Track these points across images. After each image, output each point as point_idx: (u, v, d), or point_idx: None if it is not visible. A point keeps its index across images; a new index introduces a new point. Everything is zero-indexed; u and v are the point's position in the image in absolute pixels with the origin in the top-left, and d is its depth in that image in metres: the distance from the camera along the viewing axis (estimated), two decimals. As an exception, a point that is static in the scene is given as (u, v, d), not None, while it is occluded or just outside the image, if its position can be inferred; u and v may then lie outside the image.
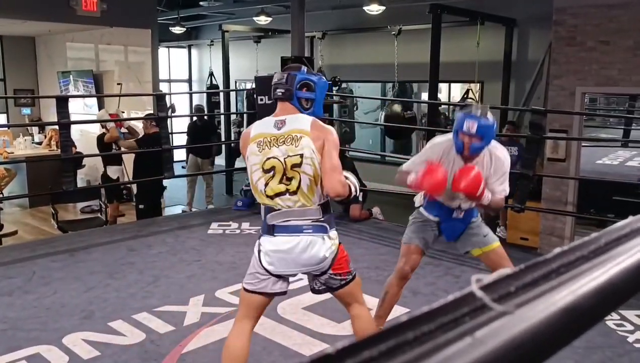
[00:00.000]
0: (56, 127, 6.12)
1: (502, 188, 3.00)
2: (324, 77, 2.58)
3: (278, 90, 2.49)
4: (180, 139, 10.44)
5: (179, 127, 10.37)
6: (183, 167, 10.14)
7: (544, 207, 6.06)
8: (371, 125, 10.78)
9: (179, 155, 10.12)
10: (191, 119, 9.87)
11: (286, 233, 2.41)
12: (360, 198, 6.17)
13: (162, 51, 12.53)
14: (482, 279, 0.35)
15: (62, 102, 5.45)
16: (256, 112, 6.72)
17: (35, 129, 10.04)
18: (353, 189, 2.49)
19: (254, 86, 7.81)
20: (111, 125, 6.70)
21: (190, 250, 5.03)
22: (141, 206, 6.63)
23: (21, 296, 3.98)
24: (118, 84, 8.93)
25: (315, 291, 2.61)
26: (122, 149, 6.82)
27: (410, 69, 9.12)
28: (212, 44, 12.28)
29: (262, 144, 2.43)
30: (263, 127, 2.48)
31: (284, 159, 2.39)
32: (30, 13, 7.50)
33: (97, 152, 7.03)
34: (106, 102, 9.48)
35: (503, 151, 3.05)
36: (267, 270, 2.45)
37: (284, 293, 2.57)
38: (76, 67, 9.92)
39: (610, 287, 0.35)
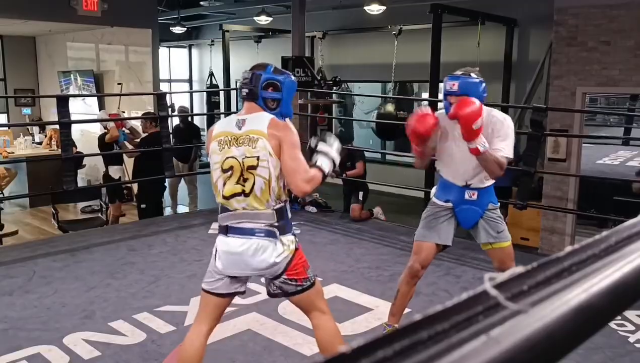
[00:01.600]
0: (56, 126, 6.12)
1: (502, 146, 2.86)
2: (292, 76, 2.51)
3: (243, 89, 2.44)
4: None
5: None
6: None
7: (545, 205, 6.06)
8: (372, 125, 10.76)
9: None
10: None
11: (239, 235, 2.38)
12: (361, 198, 6.17)
13: (163, 51, 12.53)
14: (495, 277, 0.34)
15: (62, 102, 5.44)
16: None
17: (35, 129, 10.04)
18: (326, 169, 2.44)
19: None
20: (111, 125, 6.70)
21: (191, 250, 5.02)
22: (143, 206, 6.63)
23: (22, 296, 3.97)
24: (118, 83, 8.94)
25: (271, 294, 2.55)
26: (123, 149, 6.83)
27: (410, 69, 9.12)
28: (213, 44, 12.29)
29: (222, 142, 2.40)
30: (226, 125, 2.46)
31: (242, 159, 2.36)
32: (30, 13, 7.50)
33: (98, 151, 7.03)
34: (107, 102, 9.49)
35: (502, 114, 2.99)
36: (221, 271, 2.43)
37: (242, 293, 2.53)
38: (77, 67, 9.93)
39: (623, 285, 0.35)
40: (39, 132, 9.99)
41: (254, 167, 2.34)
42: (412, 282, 3.11)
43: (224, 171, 2.38)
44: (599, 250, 0.37)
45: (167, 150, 5.98)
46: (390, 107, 8.68)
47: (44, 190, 7.00)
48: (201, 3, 11.18)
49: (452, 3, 7.90)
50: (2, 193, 7.95)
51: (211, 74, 11.81)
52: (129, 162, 7.17)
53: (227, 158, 2.38)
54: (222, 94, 11.31)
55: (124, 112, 8.88)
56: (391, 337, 0.27)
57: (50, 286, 4.15)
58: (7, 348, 3.18)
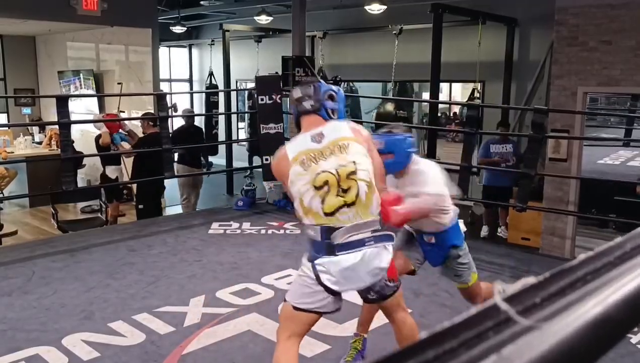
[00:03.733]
0: (56, 126, 6.10)
1: (424, 191, 2.83)
2: (341, 88, 2.62)
3: (306, 102, 2.43)
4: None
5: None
6: (177, 162, 10.03)
7: (545, 207, 6.04)
8: (372, 126, 10.74)
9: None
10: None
11: (349, 250, 2.29)
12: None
13: (163, 51, 12.51)
14: (505, 290, 0.33)
15: (62, 102, 5.43)
16: (256, 112, 6.70)
17: (35, 129, 10.03)
18: None
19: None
20: (103, 130, 6.64)
21: (191, 250, 5.01)
22: (141, 206, 6.61)
23: (21, 296, 3.96)
24: (118, 83, 8.92)
25: (368, 301, 2.53)
26: (121, 149, 6.80)
27: (411, 69, 9.10)
28: (213, 44, 12.26)
29: (305, 161, 2.31)
30: (300, 145, 2.38)
31: (336, 170, 2.29)
32: (30, 12, 7.48)
33: (97, 151, 7.01)
34: (107, 102, 9.47)
35: (423, 164, 2.96)
36: (330, 290, 2.34)
37: (339, 309, 2.49)
38: (76, 67, 9.91)
39: (640, 295, 0.33)
40: (39, 132, 9.97)
41: (353, 173, 2.29)
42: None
43: (319, 188, 2.28)
44: (613, 258, 0.36)
45: (166, 150, 5.96)
46: (389, 107, 8.66)
47: (43, 190, 6.98)
48: (201, 2, 11.15)
49: (453, 3, 7.87)
50: (2, 193, 7.93)
51: (211, 74, 11.78)
52: (128, 162, 7.15)
53: (318, 174, 2.29)
54: (221, 94, 11.28)
55: (123, 111, 8.86)
56: (394, 357, 0.26)
57: (49, 286, 4.13)
58: (6, 349, 3.16)
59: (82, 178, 8.71)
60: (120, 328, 3.45)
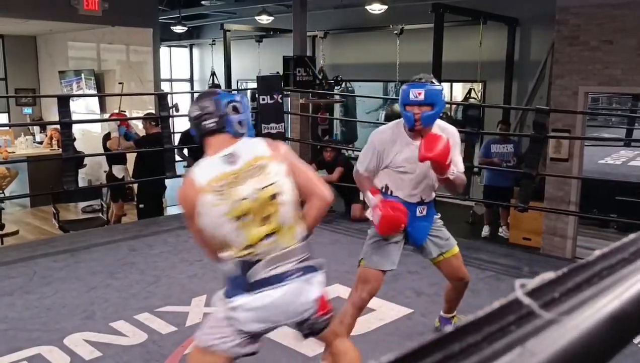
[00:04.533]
0: (57, 126, 6.10)
1: (459, 160, 2.77)
2: (244, 95, 2.37)
3: (207, 121, 2.08)
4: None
5: (181, 127, 10.31)
6: (185, 167, 10.08)
7: (546, 207, 6.04)
8: (372, 125, 10.75)
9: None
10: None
11: (269, 286, 2.02)
12: (362, 198, 6.15)
13: (164, 50, 12.51)
14: (526, 284, 0.32)
15: (63, 102, 5.43)
16: (258, 111, 6.70)
17: (36, 129, 10.04)
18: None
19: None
20: (114, 134, 6.68)
21: (192, 249, 5.00)
22: (141, 206, 6.62)
23: (22, 296, 3.96)
24: (119, 83, 8.92)
25: (303, 338, 2.23)
26: (123, 148, 6.81)
27: (412, 69, 9.07)
28: (214, 44, 12.26)
29: (220, 189, 2.00)
30: (212, 169, 2.04)
31: (256, 195, 2.00)
32: (31, 12, 7.49)
33: (98, 151, 7.02)
34: (108, 102, 9.48)
35: (452, 127, 2.87)
36: (245, 331, 2.06)
37: (257, 352, 2.18)
38: (77, 67, 9.92)
39: (656, 290, 0.33)
40: (40, 132, 9.98)
41: (274, 196, 2.02)
42: (358, 314, 2.88)
43: (238, 218, 2.00)
44: (628, 254, 0.36)
45: (167, 150, 5.96)
46: (397, 107, 8.67)
47: (44, 190, 6.99)
48: (202, 2, 11.16)
49: (454, 2, 7.88)
50: (3, 193, 7.94)
51: (213, 74, 11.79)
52: (130, 162, 7.15)
53: (238, 202, 1.99)
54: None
55: (124, 111, 8.86)
56: (421, 351, 0.26)
57: (50, 286, 4.14)
58: (7, 348, 3.16)
59: (82, 178, 8.71)
60: (121, 328, 3.45)
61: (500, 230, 7.27)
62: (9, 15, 7.50)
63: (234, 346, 2.07)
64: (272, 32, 11.03)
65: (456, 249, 2.95)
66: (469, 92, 8.56)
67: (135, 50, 9.15)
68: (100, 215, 6.94)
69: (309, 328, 2.17)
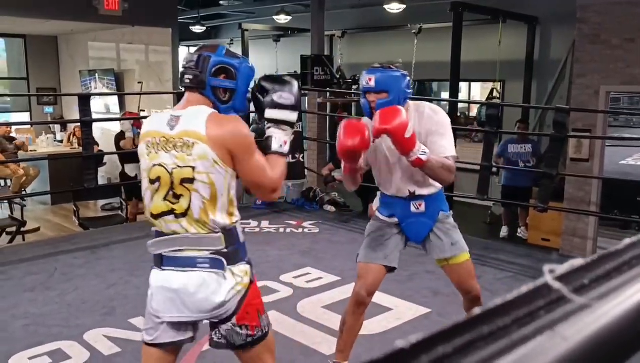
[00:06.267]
0: (78, 124, 6.18)
1: (443, 144, 2.44)
2: (248, 62, 2.00)
3: (186, 75, 1.91)
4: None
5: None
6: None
7: (566, 207, 5.97)
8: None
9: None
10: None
11: (175, 267, 1.84)
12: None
13: (182, 50, 12.60)
14: (555, 269, 0.32)
15: (84, 100, 5.49)
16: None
17: (57, 127, 10.18)
18: (286, 149, 1.94)
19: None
20: (128, 134, 6.76)
21: (210, 247, 5.04)
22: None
23: (43, 292, 4.01)
24: (139, 82, 9.01)
25: (213, 343, 1.94)
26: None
27: (430, 68, 9.06)
28: (232, 43, 12.32)
29: (150, 145, 1.87)
30: (157, 122, 1.90)
31: (172, 169, 1.82)
32: (53, 12, 7.59)
33: (117, 149, 7.10)
34: (127, 101, 9.58)
35: (432, 106, 2.57)
36: (157, 313, 1.90)
37: (191, 340, 1.98)
38: (97, 66, 10.03)
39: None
40: (60, 130, 10.12)
41: (189, 181, 1.80)
42: (358, 311, 2.66)
43: (152, 182, 1.87)
44: (657, 243, 0.35)
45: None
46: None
47: (65, 188, 7.07)
48: (220, 2, 11.22)
49: (473, 1, 7.83)
50: (25, 190, 8.06)
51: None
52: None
53: (154, 165, 1.85)
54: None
55: (143, 110, 8.95)
56: (451, 331, 0.25)
57: (70, 282, 4.19)
58: (28, 343, 3.21)
59: (102, 176, 8.82)
60: (140, 324, 3.47)
61: (518, 230, 7.21)
62: (31, 15, 7.61)
63: (157, 330, 1.91)
64: (289, 32, 11.05)
65: (463, 257, 2.64)
66: (491, 91, 8.50)
67: (154, 49, 9.24)
68: (119, 212, 7.00)
69: (223, 337, 1.90)
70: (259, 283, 4.15)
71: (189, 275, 1.82)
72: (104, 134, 9.21)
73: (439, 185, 2.60)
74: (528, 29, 8.42)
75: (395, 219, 2.64)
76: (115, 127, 9.32)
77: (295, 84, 2.00)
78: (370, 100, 2.42)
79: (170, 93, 8.13)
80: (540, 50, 8.51)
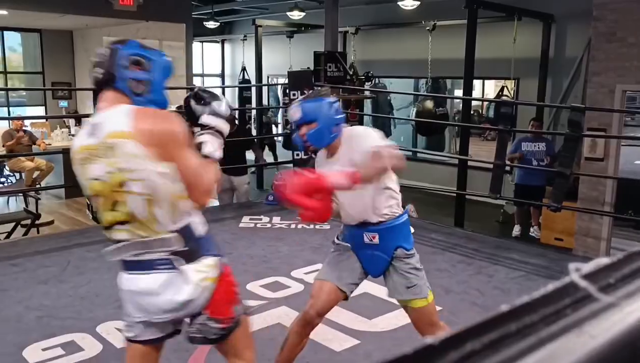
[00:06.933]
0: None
1: (368, 144, 2.22)
2: (164, 54, 1.93)
3: (96, 70, 1.82)
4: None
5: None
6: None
7: (580, 207, 5.92)
8: (403, 122, 10.70)
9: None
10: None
11: (140, 270, 1.80)
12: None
13: (196, 46, 12.65)
14: (581, 268, 0.32)
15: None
16: (286, 107, 6.73)
17: (72, 121, 10.26)
18: (218, 155, 1.88)
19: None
20: None
21: (222, 243, 5.03)
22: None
23: (56, 285, 4.05)
24: (152, 77, 9.06)
25: (189, 338, 1.92)
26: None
27: (444, 65, 9.02)
28: (246, 39, 12.35)
29: (80, 162, 1.79)
30: (80, 138, 1.80)
31: (106, 179, 1.73)
32: (68, 7, 7.65)
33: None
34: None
35: (356, 128, 2.47)
36: (131, 315, 1.91)
37: (175, 333, 1.96)
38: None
39: None
40: (75, 125, 10.20)
41: (123, 184, 1.71)
42: (304, 332, 2.49)
43: (95, 197, 1.81)
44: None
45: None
46: (429, 104, 8.65)
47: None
48: (234, -2, 11.25)
49: (488, -2, 7.78)
50: (40, 184, 8.14)
51: (243, 69, 11.87)
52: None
53: (90, 180, 1.78)
54: (253, 89, 11.37)
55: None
56: (479, 328, 0.25)
57: (84, 276, 4.22)
58: (42, 335, 3.25)
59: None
60: (152, 317, 3.51)
61: (531, 230, 7.17)
62: (47, 10, 7.68)
63: (136, 328, 1.91)
64: (303, 28, 11.05)
65: (421, 303, 2.37)
66: (502, 89, 8.45)
67: (168, 45, 9.27)
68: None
69: (198, 331, 1.86)
70: (271, 279, 4.18)
71: (153, 277, 1.78)
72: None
73: (396, 214, 2.38)
74: (544, 27, 8.35)
75: (348, 245, 2.47)
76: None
77: (227, 102, 2.01)
78: (301, 133, 2.31)
79: (184, 88, 8.18)
80: (556, 48, 8.44)
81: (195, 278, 1.78)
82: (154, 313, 1.83)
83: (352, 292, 2.50)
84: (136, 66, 1.80)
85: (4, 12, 8.16)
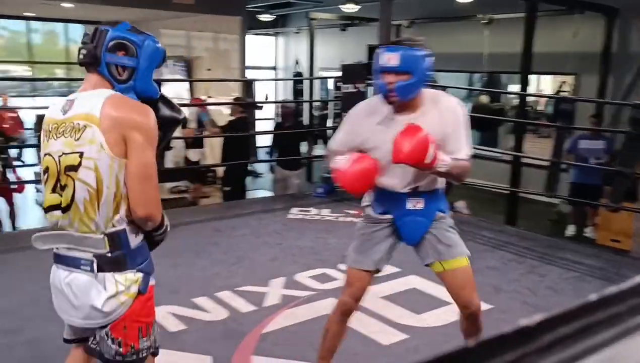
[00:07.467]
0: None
1: (459, 147, 2.19)
2: (155, 40, 1.82)
3: (81, 50, 1.73)
4: (265, 125, 10.68)
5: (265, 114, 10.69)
6: (267, 153, 10.19)
7: (639, 208, 5.71)
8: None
9: (263, 140, 10.29)
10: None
11: (65, 266, 1.71)
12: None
13: (250, 38, 12.82)
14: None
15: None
16: (341, 100, 6.74)
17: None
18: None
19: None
20: (192, 126, 7.03)
21: (273, 233, 5.13)
22: (227, 188, 6.83)
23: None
24: (208, 69, 9.24)
25: (88, 348, 1.81)
26: (205, 133, 7.06)
27: (499, 60, 8.83)
28: (299, 32, 12.42)
29: (45, 133, 1.73)
30: (52, 109, 1.74)
31: (59, 157, 1.66)
32: (129, 0, 7.89)
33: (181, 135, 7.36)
34: (196, 88, 9.85)
35: (452, 100, 2.30)
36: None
37: (86, 340, 1.82)
38: (169, 53, 10.35)
39: None
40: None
41: (74, 168, 1.64)
42: (344, 319, 2.50)
43: (44, 173, 1.72)
44: None
45: (252, 136, 6.12)
46: (484, 99, 8.51)
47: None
48: (289, -9, 11.32)
49: (548, -9, 7.57)
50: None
51: (296, 62, 11.96)
52: (212, 146, 7.40)
53: (45, 155, 1.71)
54: (305, 82, 11.44)
55: (210, 97, 9.18)
56: (570, 315, 0.26)
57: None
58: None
59: (171, 160, 9.13)
60: (204, 304, 3.60)
61: (586, 230, 6.96)
62: (111, 3, 7.94)
63: (66, 326, 1.85)
64: (356, 21, 11.02)
65: (461, 262, 2.31)
66: (560, 86, 8.22)
67: (223, 38, 9.45)
68: (186, 196, 7.24)
69: (97, 344, 1.75)
70: (319, 270, 4.21)
71: (75, 276, 1.70)
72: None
73: (443, 184, 2.35)
74: (606, 21, 8.06)
75: (389, 216, 2.37)
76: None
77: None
78: (389, 81, 2.13)
79: (239, 80, 8.32)
80: (619, 43, 8.13)
81: (112, 290, 1.67)
82: (74, 314, 1.73)
83: (384, 267, 2.49)
84: (120, 51, 1.71)
85: (70, 4, 8.48)
